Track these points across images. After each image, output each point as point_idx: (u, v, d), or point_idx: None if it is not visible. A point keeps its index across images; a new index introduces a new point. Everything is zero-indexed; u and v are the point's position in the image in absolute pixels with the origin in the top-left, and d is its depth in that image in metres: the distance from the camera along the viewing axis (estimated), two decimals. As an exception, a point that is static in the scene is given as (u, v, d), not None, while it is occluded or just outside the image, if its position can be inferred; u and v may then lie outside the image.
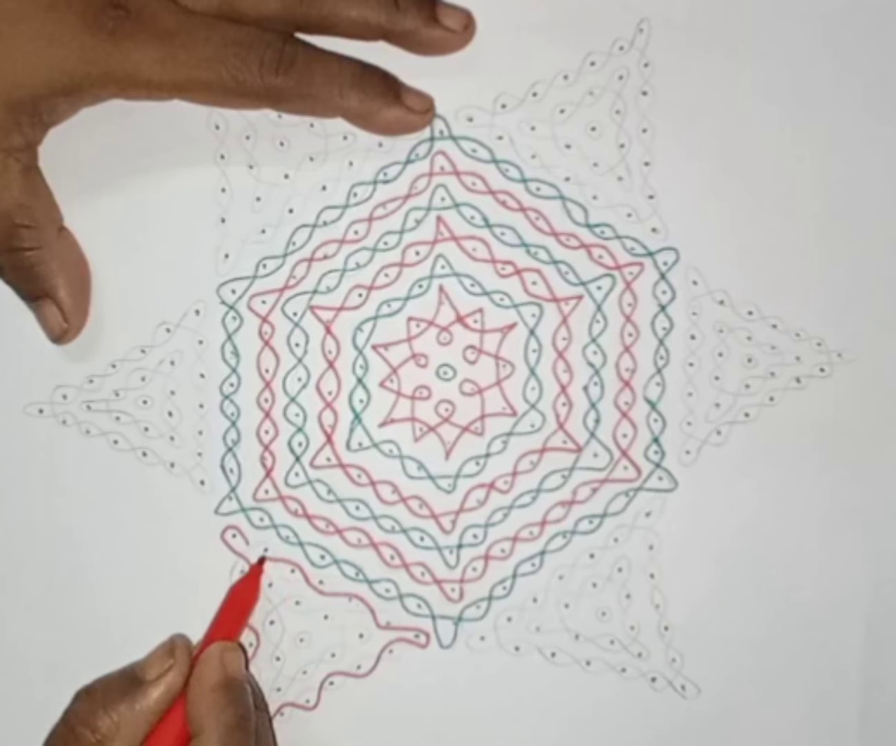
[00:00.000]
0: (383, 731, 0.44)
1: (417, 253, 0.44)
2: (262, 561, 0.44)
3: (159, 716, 0.40)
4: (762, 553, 0.43)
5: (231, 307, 0.44)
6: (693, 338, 0.43)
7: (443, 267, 0.44)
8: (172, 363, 0.44)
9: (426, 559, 0.44)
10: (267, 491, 0.44)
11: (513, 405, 0.44)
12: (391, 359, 0.44)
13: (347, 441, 0.44)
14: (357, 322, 0.44)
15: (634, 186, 0.43)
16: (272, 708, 0.44)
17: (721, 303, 0.43)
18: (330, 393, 0.44)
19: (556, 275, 0.43)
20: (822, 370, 0.43)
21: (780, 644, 0.43)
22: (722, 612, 0.43)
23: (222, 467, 0.44)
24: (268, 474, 0.44)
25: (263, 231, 0.44)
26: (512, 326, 0.44)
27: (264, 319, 0.44)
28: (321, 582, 0.44)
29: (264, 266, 0.44)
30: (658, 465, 0.43)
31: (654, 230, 0.43)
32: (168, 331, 0.44)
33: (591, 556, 0.44)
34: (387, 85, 0.42)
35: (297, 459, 0.44)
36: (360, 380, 0.44)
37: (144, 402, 0.44)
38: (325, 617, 0.44)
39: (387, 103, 0.41)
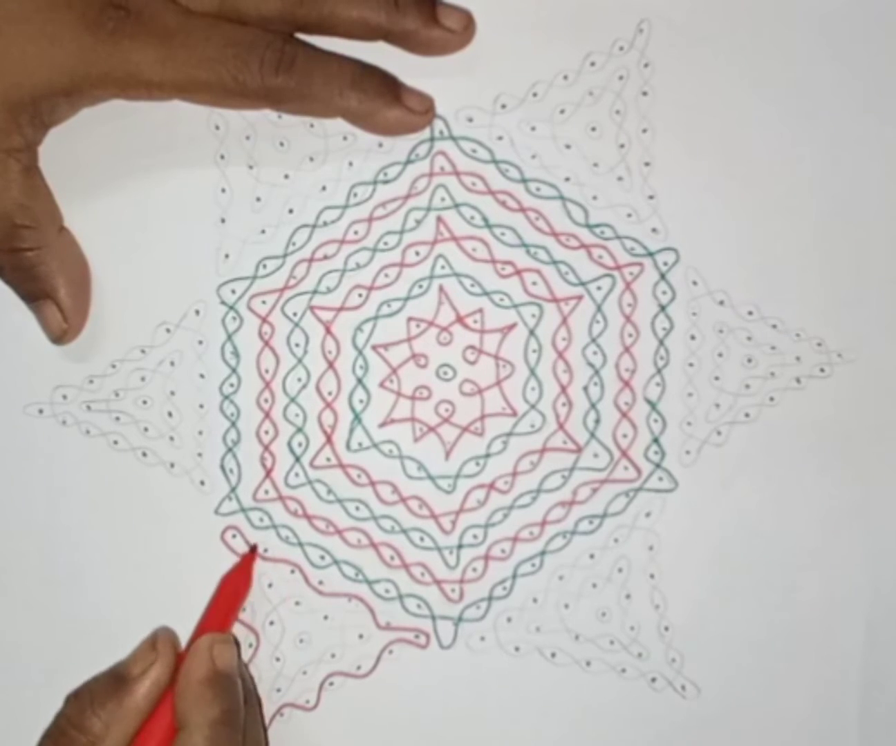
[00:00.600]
0: (383, 731, 0.44)
1: (417, 253, 0.44)
2: (253, 549, 0.44)
3: (148, 711, 0.40)
4: (762, 553, 0.43)
5: (231, 307, 0.44)
6: (693, 338, 0.43)
7: (443, 267, 0.44)
8: (172, 363, 0.44)
9: (426, 559, 0.44)
10: (267, 492, 0.44)
11: (513, 405, 0.44)
12: (391, 360, 0.44)
13: (347, 441, 0.44)
14: (357, 322, 0.44)
15: (634, 186, 0.43)
16: (272, 709, 0.44)
17: (721, 303, 0.43)
18: (330, 393, 0.44)
19: (556, 275, 0.43)
20: (822, 370, 0.43)
21: (780, 644, 0.43)
22: (722, 612, 0.43)
23: (222, 467, 0.44)
24: (268, 474, 0.44)
25: (263, 231, 0.44)
26: (512, 326, 0.44)
27: (264, 319, 0.44)
28: (321, 583, 0.44)
29: (264, 266, 0.44)
30: (658, 465, 0.43)
31: (654, 230, 0.43)
32: (168, 331, 0.44)
33: (591, 556, 0.44)
34: (387, 85, 0.42)
35: (297, 459, 0.44)
36: (360, 381, 0.44)
37: (144, 402, 0.44)
38: (325, 617, 0.44)
39: (387, 104, 0.41)
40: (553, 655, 0.44)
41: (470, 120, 0.43)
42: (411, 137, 0.43)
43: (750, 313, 0.43)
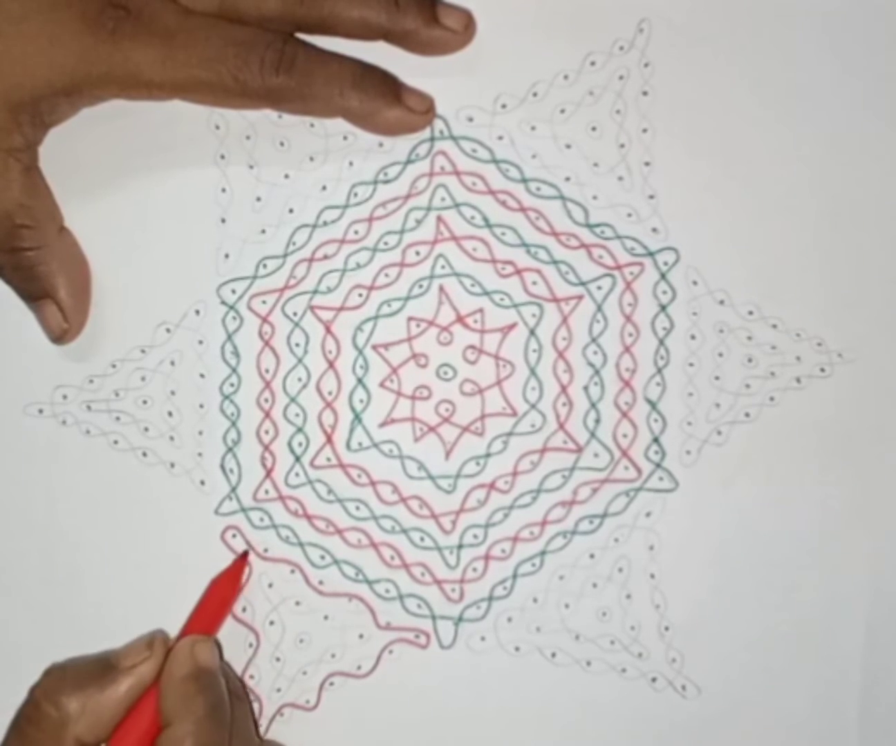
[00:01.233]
0: (383, 731, 0.44)
1: (418, 253, 0.44)
2: (245, 554, 0.44)
3: (128, 705, 0.40)
4: (762, 553, 0.43)
5: (231, 307, 0.44)
6: (693, 338, 0.43)
7: (443, 267, 0.44)
8: (172, 363, 0.44)
9: (426, 559, 0.44)
10: (267, 492, 0.44)
11: (513, 405, 0.44)
12: (391, 359, 0.44)
13: (347, 441, 0.44)
14: (357, 322, 0.44)
15: (635, 186, 0.43)
16: (272, 709, 0.44)
17: (721, 303, 0.43)
18: (330, 393, 0.44)
19: (556, 275, 0.43)
20: (822, 370, 0.43)
21: (780, 644, 0.43)
22: (722, 612, 0.43)
23: (222, 467, 0.44)
24: (268, 474, 0.44)
25: (263, 231, 0.44)
26: (512, 326, 0.44)
27: (264, 319, 0.44)
28: (321, 583, 0.44)
29: (264, 266, 0.44)
30: (658, 465, 0.43)
31: (654, 230, 0.43)
32: (168, 331, 0.44)
33: (592, 556, 0.44)
34: (387, 85, 0.42)
35: (298, 459, 0.44)
36: (360, 380, 0.44)
37: (144, 402, 0.44)
38: (325, 617, 0.44)
39: (387, 103, 0.41)
40: (553, 655, 0.44)
41: (470, 120, 0.43)
42: (411, 137, 0.43)
43: (750, 313, 0.43)
